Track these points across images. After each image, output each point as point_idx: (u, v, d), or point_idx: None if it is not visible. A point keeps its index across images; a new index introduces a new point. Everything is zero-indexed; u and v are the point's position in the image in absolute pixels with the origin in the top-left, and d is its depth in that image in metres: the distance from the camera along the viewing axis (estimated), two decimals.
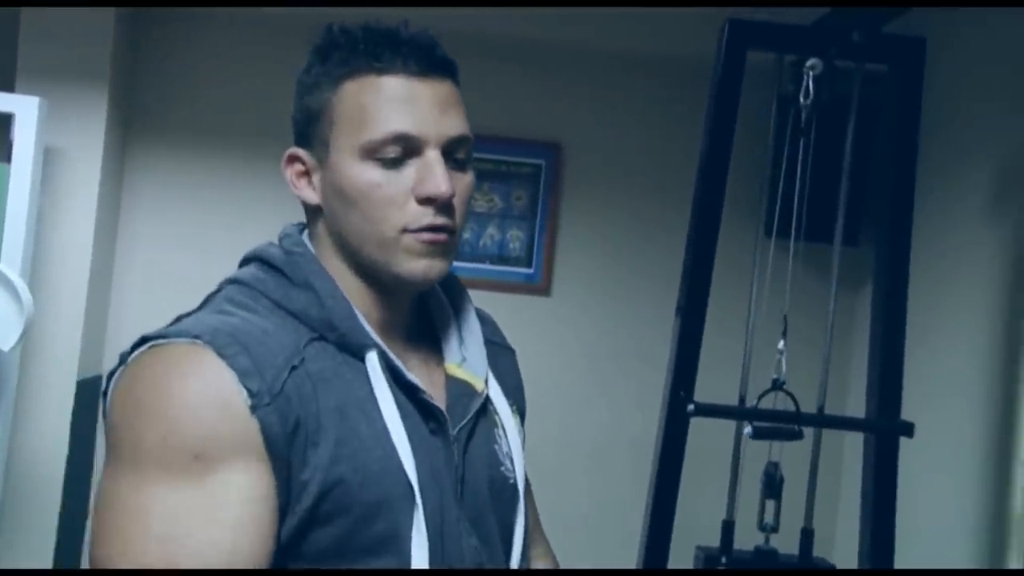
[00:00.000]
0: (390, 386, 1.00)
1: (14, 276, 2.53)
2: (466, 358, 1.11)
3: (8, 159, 2.66)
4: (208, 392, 0.90)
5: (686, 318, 2.18)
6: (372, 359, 1.00)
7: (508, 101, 3.17)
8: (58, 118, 2.80)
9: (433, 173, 0.99)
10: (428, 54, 1.03)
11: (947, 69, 2.56)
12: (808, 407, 2.24)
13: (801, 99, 2.08)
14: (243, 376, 0.91)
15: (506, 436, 1.12)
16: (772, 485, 2.21)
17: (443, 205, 1.00)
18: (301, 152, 1.06)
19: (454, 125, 1.02)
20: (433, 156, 1.00)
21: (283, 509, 0.93)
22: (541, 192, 3.17)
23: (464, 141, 1.04)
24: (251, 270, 1.05)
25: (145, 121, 3.11)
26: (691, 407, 2.09)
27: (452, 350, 1.11)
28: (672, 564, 2.22)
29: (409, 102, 1.00)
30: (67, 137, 2.88)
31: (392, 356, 1.02)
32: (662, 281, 2.90)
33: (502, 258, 3.17)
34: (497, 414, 1.12)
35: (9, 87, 2.87)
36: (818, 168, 2.26)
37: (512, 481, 1.11)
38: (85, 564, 0.95)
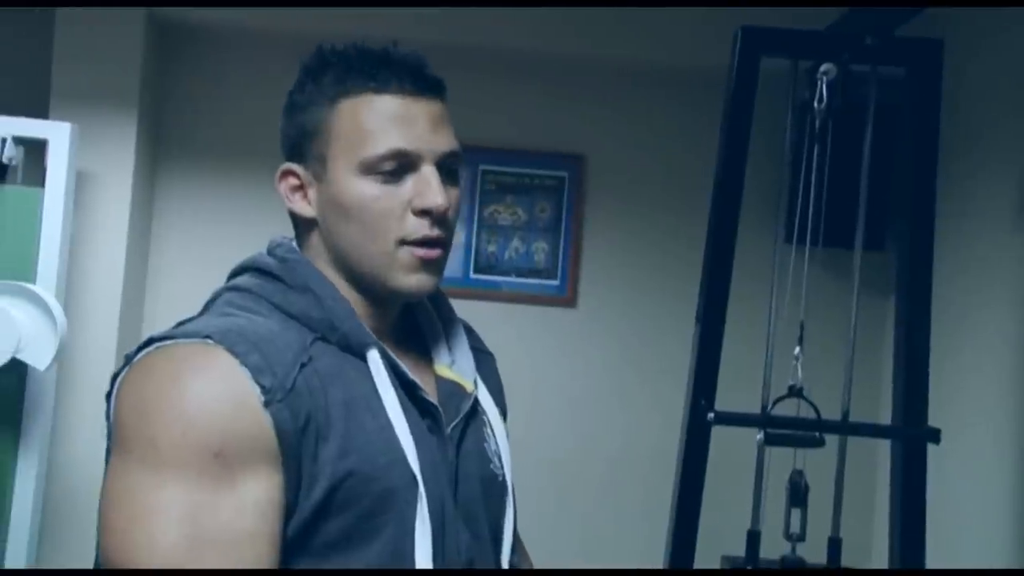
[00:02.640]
0: (392, 383, 1.03)
1: (49, 297, 2.59)
2: (455, 361, 1.15)
3: (42, 184, 2.73)
4: (223, 389, 0.92)
5: (705, 326, 2.17)
6: (374, 357, 1.04)
7: (530, 114, 3.19)
8: (89, 143, 2.86)
9: (430, 187, 1.04)
10: (421, 74, 1.07)
11: (974, 73, 2.54)
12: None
13: (815, 104, 2.07)
14: (256, 373, 0.93)
15: (494, 435, 1.15)
16: (797, 493, 2.19)
17: (439, 217, 1.05)
18: (295, 167, 1.09)
19: (446, 141, 1.07)
20: (429, 171, 1.05)
21: (291, 505, 0.95)
22: (565, 204, 3.18)
23: (455, 156, 1.08)
24: (247, 278, 1.08)
25: (174, 143, 3.17)
26: (711, 415, 2.09)
27: (441, 353, 1.16)
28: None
29: (406, 120, 1.04)
30: (98, 161, 2.95)
31: (392, 355, 1.06)
32: (688, 290, 2.89)
33: (528, 270, 3.18)
34: (485, 414, 1.16)
35: (43, 114, 2.94)
36: (840, 173, 2.25)
37: (501, 478, 1.14)
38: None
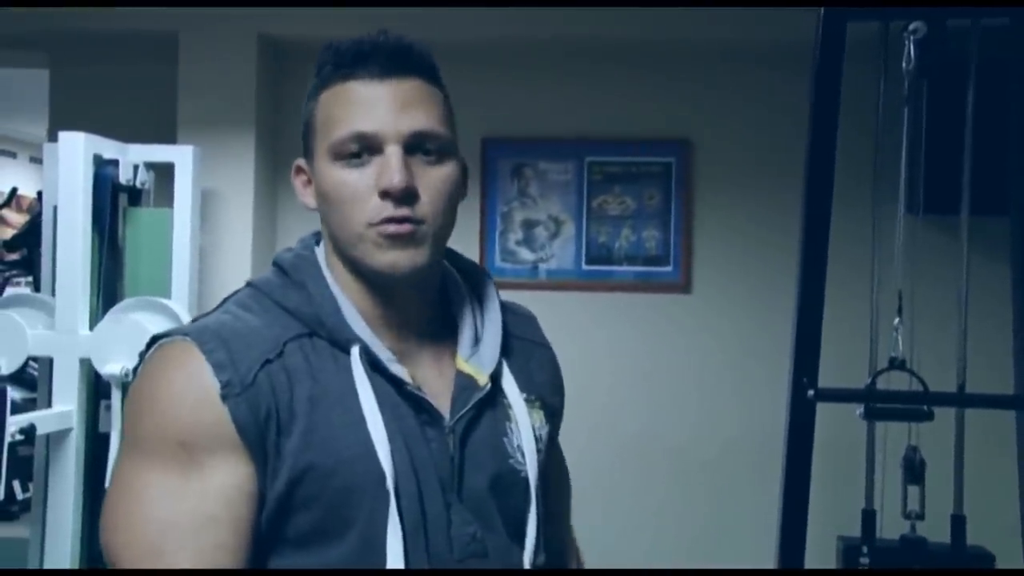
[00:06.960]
0: (371, 378, 1.03)
1: (181, 310, 2.76)
2: (477, 351, 1.12)
3: (172, 204, 2.91)
4: (188, 384, 0.99)
5: (804, 301, 2.13)
6: (354, 353, 1.04)
7: (631, 103, 3.18)
8: (213, 163, 3.04)
9: (389, 167, 1.03)
10: (389, 57, 1.06)
11: None
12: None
13: (903, 65, 2.00)
14: (217, 369, 0.99)
15: (518, 429, 1.11)
16: (912, 470, 2.11)
17: (401, 197, 1.03)
18: (303, 163, 1.13)
19: (416, 121, 1.04)
20: (392, 151, 1.03)
21: (262, 494, 0.99)
22: (673, 189, 3.16)
23: (430, 135, 1.05)
24: (266, 273, 1.13)
25: (292, 158, 3.29)
26: (811, 393, 2.04)
27: (464, 344, 1.13)
28: (813, 554, 2.16)
29: (368, 103, 1.04)
30: (222, 180, 3.12)
31: (375, 350, 1.05)
32: None
33: (640, 258, 3.18)
34: (511, 407, 1.12)
35: (172, 139, 3.14)
36: (946, 135, 2.17)
37: (523, 474, 1.10)
38: None
